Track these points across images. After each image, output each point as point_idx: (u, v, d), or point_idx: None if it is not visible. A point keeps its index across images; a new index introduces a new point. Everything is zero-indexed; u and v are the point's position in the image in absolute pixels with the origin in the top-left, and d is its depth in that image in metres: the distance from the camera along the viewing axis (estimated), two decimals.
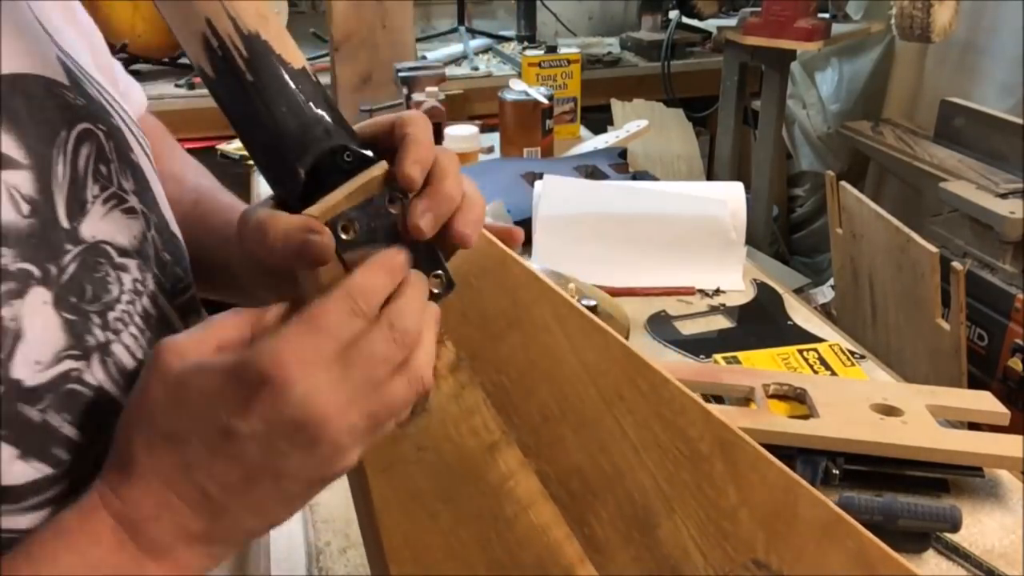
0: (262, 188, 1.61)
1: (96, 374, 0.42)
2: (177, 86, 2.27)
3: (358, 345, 0.39)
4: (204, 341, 0.40)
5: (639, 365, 0.50)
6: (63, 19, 0.50)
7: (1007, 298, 1.71)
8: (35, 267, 0.39)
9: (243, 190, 1.74)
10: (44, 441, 0.39)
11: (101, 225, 0.44)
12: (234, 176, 1.92)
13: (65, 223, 0.42)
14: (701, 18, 2.60)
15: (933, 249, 1.50)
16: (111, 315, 0.43)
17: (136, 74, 2.41)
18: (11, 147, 0.40)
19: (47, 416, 0.39)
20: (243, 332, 0.41)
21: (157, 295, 0.48)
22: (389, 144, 0.45)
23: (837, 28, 2.29)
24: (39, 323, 0.39)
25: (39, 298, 0.39)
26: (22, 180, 0.40)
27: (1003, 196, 1.83)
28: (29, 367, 0.38)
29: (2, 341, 0.37)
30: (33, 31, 0.44)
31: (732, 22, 2.41)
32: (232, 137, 1.90)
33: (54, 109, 0.43)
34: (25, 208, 0.39)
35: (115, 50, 2.29)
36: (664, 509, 0.49)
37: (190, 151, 0.72)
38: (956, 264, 1.51)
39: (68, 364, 0.40)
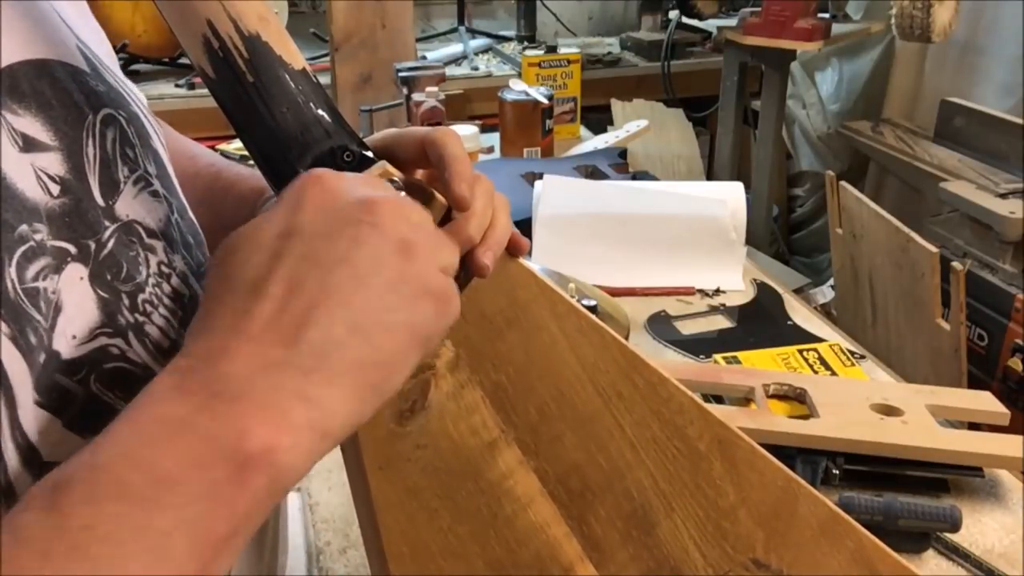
0: None
1: (139, 352, 0.43)
2: (177, 86, 2.27)
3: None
4: None
5: (637, 363, 0.50)
6: (78, 15, 0.51)
7: (1007, 298, 1.71)
8: (70, 244, 0.40)
9: None
10: (99, 417, 0.40)
11: (133, 205, 0.45)
12: None
13: (100, 201, 0.43)
14: (701, 18, 2.60)
15: (933, 249, 1.50)
16: (140, 297, 0.44)
17: (136, 74, 2.42)
18: (38, 130, 0.40)
19: (94, 391, 0.40)
20: None
21: (188, 276, 0.49)
22: (414, 158, 0.47)
23: (837, 28, 2.29)
24: (75, 298, 0.40)
25: (76, 273, 0.40)
26: (50, 161, 0.40)
27: (1003, 196, 1.83)
28: (66, 340, 0.39)
29: (46, 311, 0.38)
30: (53, 21, 0.45)
31: (732, 22, 2.41)
32: (232, 137, 1.90)
33: (79, 94, 0.44)
34: (55, 188, 0.40)
35: (115, 50, 2.29)
36: (663, 508, 0.50)
37: None
38: (956, 264, 1.51)
39: (103, 340, 0.41)
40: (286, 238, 0.37)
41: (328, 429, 0.35)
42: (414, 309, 0.38)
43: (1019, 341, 1.68)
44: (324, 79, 2.23)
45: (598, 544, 0.49)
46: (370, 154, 0.46)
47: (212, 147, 2.14)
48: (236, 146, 2.10)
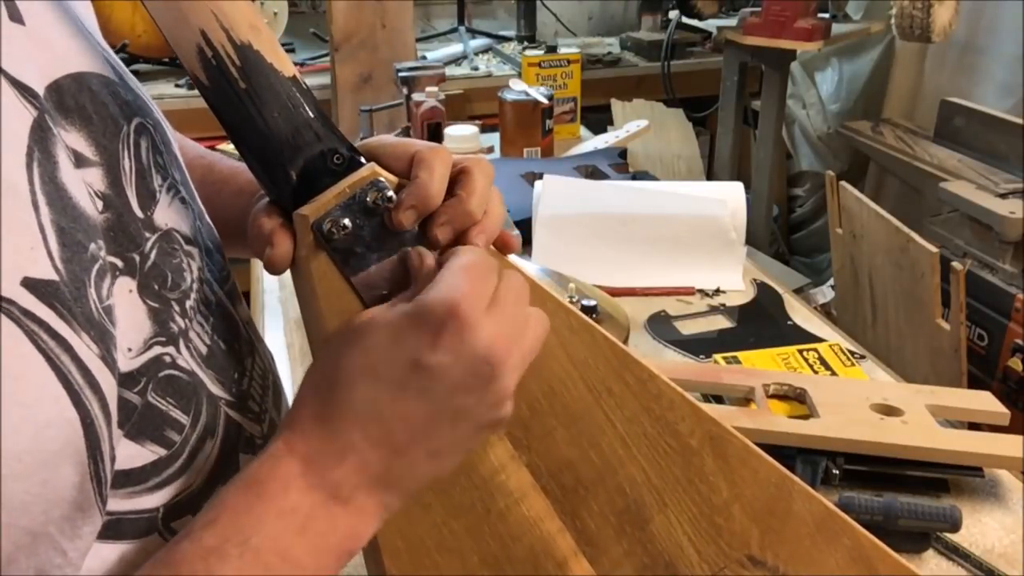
0: None
1: (186, 359, 0.44)
2: (177, 86, 2.28)
3: (500, 290, 0.44)
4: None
5: (627, 361, 0.50)
6: (91, 18, 0.51)
7: (1007, 298, 1.71)
8: (117, 259, 0.40)
9: None
10: (156, 425, 0.42)
11: (169, 213, 0.46)
12: None
13: (139, 213, 0.43)
14: (701, 18, 2.60)
15: (933, 249, 1.50)
16: (187, 303, 0.45)
17: (136, 74, 2.41)
18: (83, 146, 0.41)
19: (150, 400, 0.41)
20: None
21: (212, 283, 0.50)
22: (402, 171, 0.48)
23: (837, 28, 2.29)
24: (127, 312, 0.40)
25: (125, 287, 0.41)
26: (95, 177, 0.41)
27: (1003, 196, 1.83)
28: (122, 354, 0.39)
29: (115, 328, 0.38)
30: (82, 31, 0.46)
31: (732, 22, 2.42)
32: None
33: (114, 105, 0.44)
34: (99, 204, 0.40)
35: (115, 50, 2.29)
36: (656, 503, 0.50)
37: None
38: (956, 264, 1.51)
39: (157, 350, 0.42)
40: (415, 372, 0.41)
41: (383, 520, 0.44)
42: (482, 438, 0.45)
43: (1019, 341, 1.68)
44: (324, 79, 2.23)
45: (592, 539, 0.49)
46: (359, 157, 0.47)
47: (211, 147, 2.14)
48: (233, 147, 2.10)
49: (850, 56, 2.58)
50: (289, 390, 1.07)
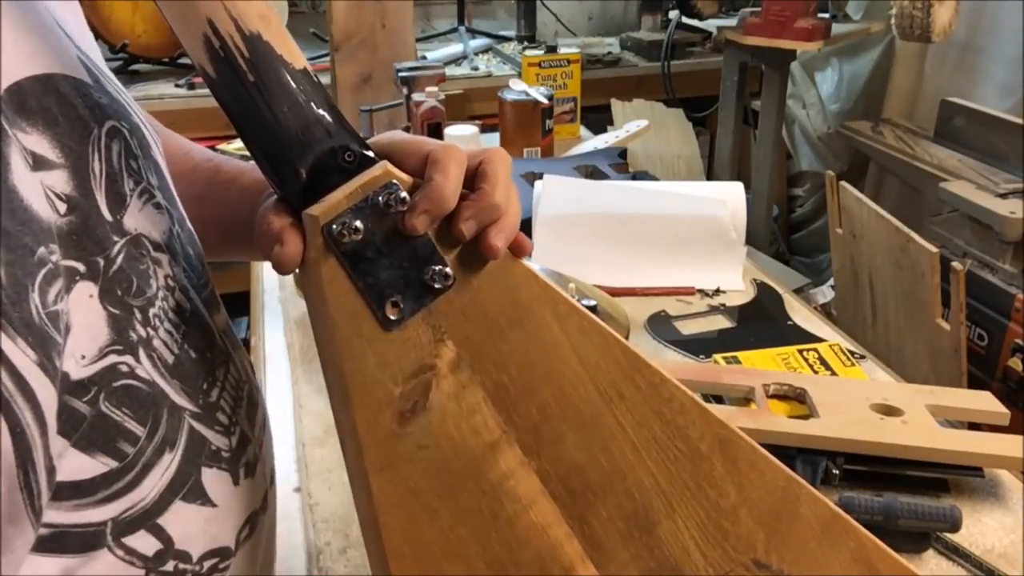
0: None
1: (147, 368, 0.43)
2: (177, 86, 2.28)
3: None
4: None
5: (638, 364, 0.50)
6: (73, 20, 0.50)
7: (1007, 298, 1.71)
8: (79, 263, 0.39)
9: None
10: (108, 436, 0.40)
11: (139, 218, 0.45)
12: None
13: (108, 216, 0.42)
14: (701, 18, 2.60)
15: (933, 249, 1.50)
16: (151, 311, 0.44)
17: (136, 74, 2.42)
18: (46, 148, 0.40)
19: (103, 410, 0.40)
20: None
21: (188, 290, 0.49)
22: (415, 168, 0.47)
23: (837, 28, 2.29)
24: (83, 318, 0.39)
25: (85, 292, 0.40)
26: (57, 179, 0.40)
27: (1003, 196, 1.83)
28: (75, 361, 0.38)
29: (64, 334, 0.37)
30: (56, 33, 0.45)
31: (732, 22, 2.41)
32: (232, 137, 1.90)
33: (84, 108, 0.43)
34: (62, 207, 0.39)
35: (115, 50, 2.29)
36: (664, 508, 0.50)
37: None
38: (956, 264, 1.51)
39: (112, 359, 0.41)
40: None
41: None
42: None
43: (1019, 341, 1.68)
44: (324, 79, 2.23)
45: (599, 544, 0.49)
46: (371, 154, 0.46)
47: (212, 147, 2.13)
48: (236, 146, 2.10)
49: (850, 56, 2.58)
50: (289, 390, 1.08)
